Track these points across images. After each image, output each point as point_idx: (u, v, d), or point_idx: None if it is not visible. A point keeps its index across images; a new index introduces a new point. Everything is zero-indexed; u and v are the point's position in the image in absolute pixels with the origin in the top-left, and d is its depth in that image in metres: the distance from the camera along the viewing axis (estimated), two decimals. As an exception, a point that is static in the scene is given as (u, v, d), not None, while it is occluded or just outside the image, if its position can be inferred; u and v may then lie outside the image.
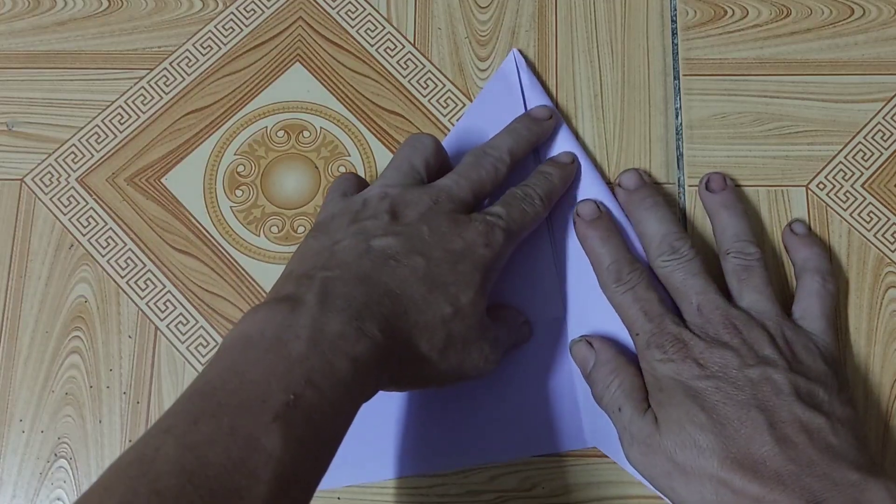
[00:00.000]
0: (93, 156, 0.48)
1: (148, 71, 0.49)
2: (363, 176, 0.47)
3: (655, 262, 0.43)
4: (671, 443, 0.38)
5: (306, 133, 0.48)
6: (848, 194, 0.47)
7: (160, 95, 0.49)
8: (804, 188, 0.47)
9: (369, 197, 0.40)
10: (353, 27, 0.50)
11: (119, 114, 0.49)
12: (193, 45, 0.50)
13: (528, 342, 0.44)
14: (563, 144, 0.47)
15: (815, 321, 0.42)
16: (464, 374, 0.39)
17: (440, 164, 0.43)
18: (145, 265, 0.46)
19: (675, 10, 0.50)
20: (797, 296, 0.43)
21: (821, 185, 0.47)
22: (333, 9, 0.50)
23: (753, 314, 0.41)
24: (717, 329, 0.40)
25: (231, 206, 0.47)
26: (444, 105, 0.49)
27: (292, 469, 0.30)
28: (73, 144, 0.48)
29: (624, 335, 0.43)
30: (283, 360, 0.31)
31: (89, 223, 0.47)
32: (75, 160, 0.48)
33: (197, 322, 0.46)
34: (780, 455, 0.36)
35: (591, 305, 0.44)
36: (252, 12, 0.50)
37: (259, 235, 0.47)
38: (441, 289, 0.37)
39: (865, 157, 0.47)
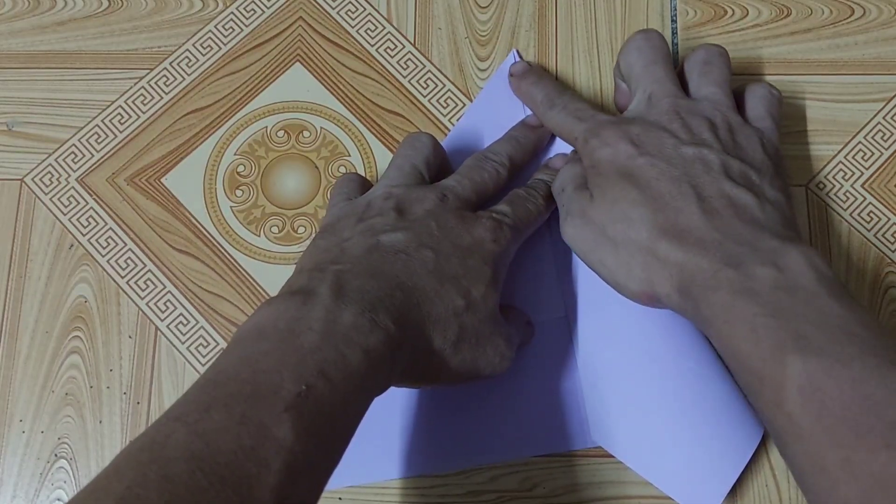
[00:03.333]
0: (93, 156, 0.48)
1: (148, 71, 0.49)
2: (363, 176, 0.47)
3: (626, 47, 0.44)
4: (604, 217, 0.39)
5: (306, 133, 0.48)
6: (848, 194, 0.47)
7: (160, 95, 0.49)
8: (804, 188, 0.47)
9: (374, 198, 0.40)
10: (353, 27, 0.50)
11: (119, 114, 0.49)
12: (193, 45, 0.50)
13: (530, 342, 0.44)
14: (561, 145, 0.47)
15: (763, 121, 0.43)
16: (478, 372, 0.39)
17: (439, 162, 0.44)
18: (145, 265, 0.46)
19: (675, 10, 0.50)
20: (745, 102, 0.44)
21: (820, 185, 0.47)
22: (333, 9, 0.50)
23: (705, 105, 0.41)
24: (660, 116, 0.41)
25: (231, 206, 0.47)
26: (444, 105, 0.49)
27: (303, 459, 0.30)
28: (73, 144, 0.48)
29: (626, 336, 0.43)
30: (296, 351, 0.32)
31: (89, 223, 0.47)
32: (75, 160, 0.48)
33: (197, 322, 0.46)
34: (706, 225, 0.37)
35: (592, 305, 0.44)
36: (252, 12, 0.50)
37: (259, 235, 0.47)
38: (452, 282, 0.37)
39: (865, 157, 0.47)
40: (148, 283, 0.46)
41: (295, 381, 0.31)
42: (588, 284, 0.44)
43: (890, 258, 0.46)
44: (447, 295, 0.37)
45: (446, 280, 0.37)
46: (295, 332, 0.32)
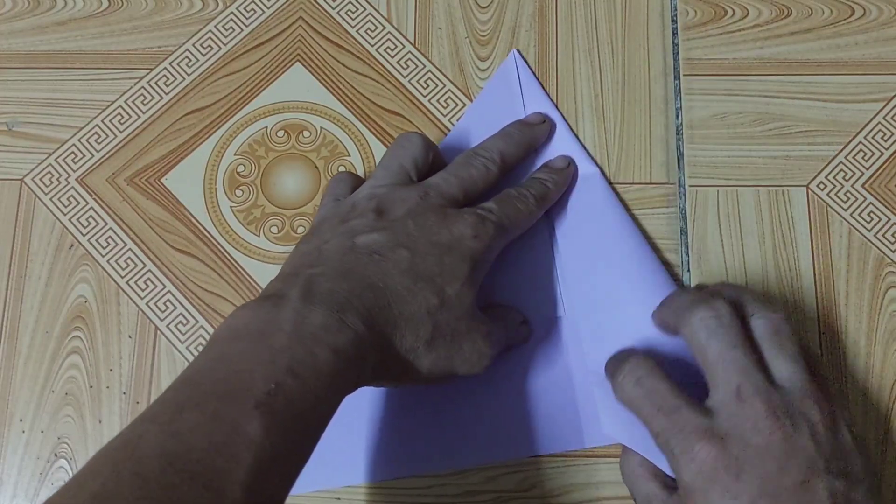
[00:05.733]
0: (93, 156, 0.48)
1: (148, 71, 0.50)
2: (363, 176, 0.47)
3: (691, 322, 0.38)
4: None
5: (306, 133, 0.48)
6: (848, 194, 0.47)
7: (160, 95, 0.49)
8: (805, 188, 0.47)
9: (358, 199, 0.41)
10: (353, 27, 0.50)
11: (119, 114, 0.49)
12: (193, 45, 0.50)
13: (526, 342, 0.44)
14: (561, 145, 0.47)
15: (796, 363, 0.37)
16: (453, 369, 0.39)
17: (430, 161, 0.43)
18: (145, 265, 0.46)
19: (676, 9, 0.50)
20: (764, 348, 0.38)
21: (821, 185, 0.47)
22: (333, 9, 0.50)
23: (793, 393, 0.36)
24: (757, 421, 0.35)
25: (231, 206, 0.47)
26: (444, 105, 0.49)
27: (272, 454, 0.30)
28: (73, 144, 0.48)
29: (623, 336, 0.43)
30: (267, 350, 0.32)
31: (89, 223, 0.47)
32: (75, 160, 0.48)
33: (197, 322, 0.46)
34: None
35: (591, 305, 0.44)
36: (252, 12, 0.50)
37: (259, 235, 0.47)
38: (426, 280, 0.37)
39: (866, 157, 0.47)
40: (148, 283, 0.46)
41: (265, 380, 0.31)
42: (587, 285, 0.44)
43: (890, 258, 0.46)
44: (420, 294, 0.37)
45: (420, 279, 0.37)
46: (266, 333, 0.33)
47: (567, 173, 0.45)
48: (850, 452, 0.36)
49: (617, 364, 0.39)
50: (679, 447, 0.35)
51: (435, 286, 0.38)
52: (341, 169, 0.48)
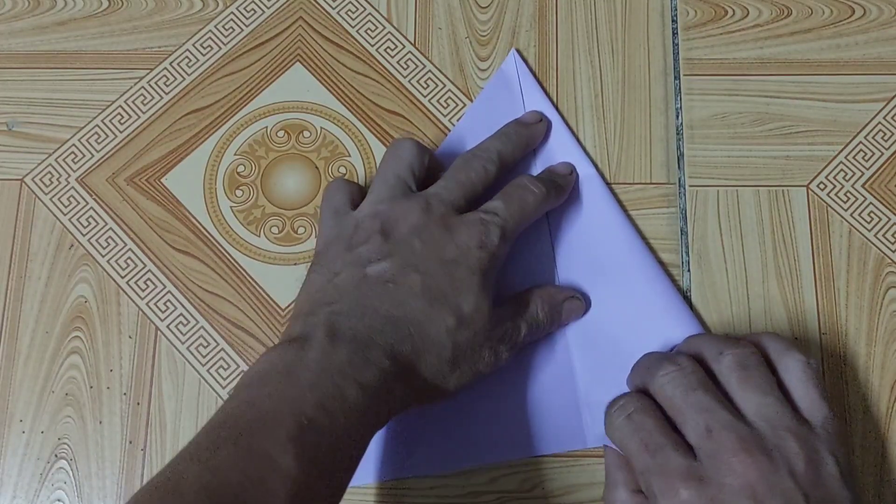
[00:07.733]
0: (93, 156, 0.48)
1: (148, 71, 0.49)
2: (363, 177, 0.47)
3: (656, 380, 0.38)
4: None
5: (306, 133, 0.48)
6: (849, 194, 0.47)
7: (160, 95, 0.49)
8: (805, 188, 0.47)
9: (361, 218, 0.41)
10: (353, 27, 0.50)
11: (119, 114, 0.49)
12: (193, 45, 0.50)
13: (581, 316, 0.44)
14: (559, 145, 0.47)
15: (817, 410, 0.37)
16: (478, 375, 0.40)
17: (426, 166, 0.44)
18: (145, 265, 0.46)
19: (676, 9, 0.50)
20: (785, 381, 0.38)
21: (821, 186, 0.47)
22: (333, 9, 0.50)
23: (766, 428, 0.36)
24: (730, 460, 0.34)
25: (231, 207, 0.47)
26: (444, 105, 0.49)
27: (307, 488, 0.31)
28: (73, 144, 0.48)
29: (622, 339, 0.43)
30: (295, 387, 0.33)
31: (89, 223, 0.47)
32: (75, 160, 0.48)
33: (197, 322, 0.46)
34: None
35: (592, 305, 0.44)
36: (252, 12, 0.50)
37: (259, 236, 0.47)
38: (441, 300, 0.38)
39: (866, 157, 0.47)
40: (148, 283, 0.46)
41: (296, 415, 0.32)
42: (587, 285, 0.44)
43: (890, 258, 0.46)
44: (438, 316, 0.38)
45: (435, 300, 0.38)
46: (293, 373, 0.34)
47: (569, 180, 0.45)
48: (835, 485, 0.35)
49: (612, 401, 0.40)
50: (658, 487, 0.35)
51: (450, 305, 0.38)
52: (342, 169, 0.48)
